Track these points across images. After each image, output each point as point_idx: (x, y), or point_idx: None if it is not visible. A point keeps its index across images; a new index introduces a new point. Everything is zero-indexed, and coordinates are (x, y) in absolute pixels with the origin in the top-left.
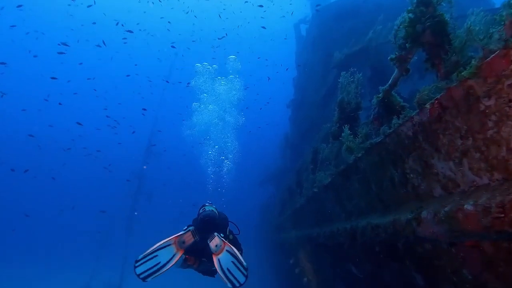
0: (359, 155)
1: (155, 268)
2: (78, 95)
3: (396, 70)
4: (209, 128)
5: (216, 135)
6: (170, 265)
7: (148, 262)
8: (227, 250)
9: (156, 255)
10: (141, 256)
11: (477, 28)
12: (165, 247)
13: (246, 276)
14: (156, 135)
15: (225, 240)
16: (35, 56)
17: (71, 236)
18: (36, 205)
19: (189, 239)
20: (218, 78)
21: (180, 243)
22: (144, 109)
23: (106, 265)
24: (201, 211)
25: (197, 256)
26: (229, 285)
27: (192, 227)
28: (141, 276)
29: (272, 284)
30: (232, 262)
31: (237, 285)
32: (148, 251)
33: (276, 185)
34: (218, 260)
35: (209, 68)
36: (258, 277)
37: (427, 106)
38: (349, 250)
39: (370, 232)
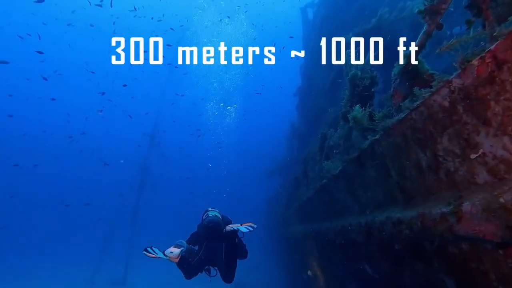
0: (377, 136)
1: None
2: (71, 84)
3: (424, 27)
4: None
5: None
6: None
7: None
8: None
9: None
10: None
11: None
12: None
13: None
14: (156, 126)
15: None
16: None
17: (74, 231)
18: (36, 199)
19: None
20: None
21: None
22: (125, 85)
23: (110, 261)
24: (204, 217)
25: (209, 263)
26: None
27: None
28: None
29: (280, 280)
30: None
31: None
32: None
33: (282, 178)
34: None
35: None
36: (265, 272)
37: (474, 62)
38: (362, 248)
39: (390, 228)
